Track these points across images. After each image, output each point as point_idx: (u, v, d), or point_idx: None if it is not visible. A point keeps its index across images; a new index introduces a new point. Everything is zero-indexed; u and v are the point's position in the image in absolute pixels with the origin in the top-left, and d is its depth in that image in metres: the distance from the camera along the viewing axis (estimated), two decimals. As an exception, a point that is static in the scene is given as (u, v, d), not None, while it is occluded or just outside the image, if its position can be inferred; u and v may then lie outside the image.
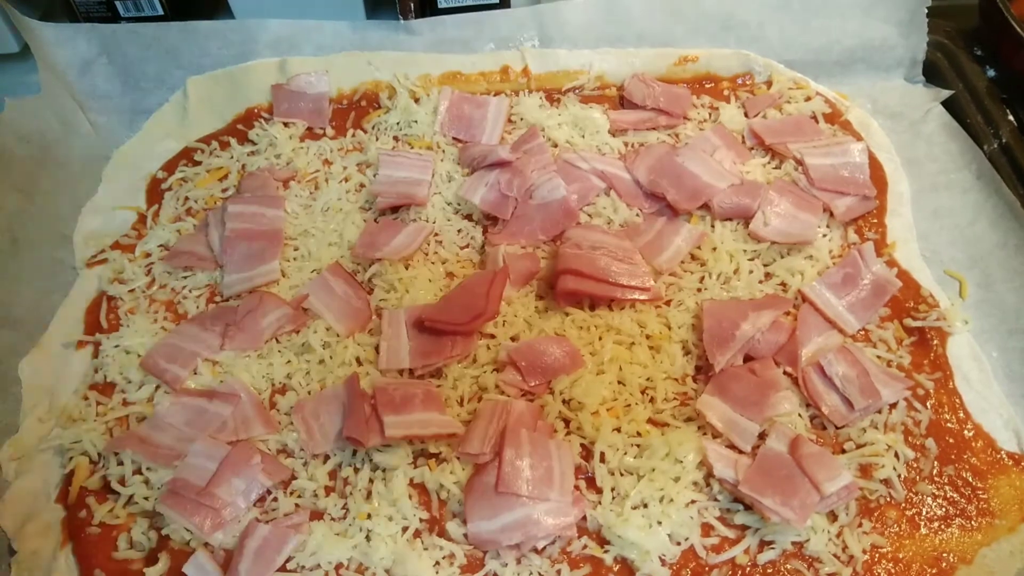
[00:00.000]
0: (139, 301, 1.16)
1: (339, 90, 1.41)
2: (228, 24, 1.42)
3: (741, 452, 0.96)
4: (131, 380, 1.07)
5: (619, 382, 1.03)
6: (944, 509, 0.95)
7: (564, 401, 1.01)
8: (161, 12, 1.44)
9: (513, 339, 1.07)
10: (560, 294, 1.09)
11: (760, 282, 1.14)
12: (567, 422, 1.00)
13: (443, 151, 1.33)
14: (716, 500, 0.94)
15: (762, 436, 0.98)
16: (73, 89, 1.37)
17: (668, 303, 1.12)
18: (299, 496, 0.97)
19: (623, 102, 1.40)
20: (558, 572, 0.90)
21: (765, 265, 1.17)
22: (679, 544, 0.91)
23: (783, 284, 1.15)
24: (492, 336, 1.08)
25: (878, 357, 1.07)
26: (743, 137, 1.33)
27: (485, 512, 0.91)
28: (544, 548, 0.91)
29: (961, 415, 1.02)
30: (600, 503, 0.94)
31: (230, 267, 1.16)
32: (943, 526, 0.94)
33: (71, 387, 1.09)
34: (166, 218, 1.27)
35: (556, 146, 1.32)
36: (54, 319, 1.17)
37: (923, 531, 0.94)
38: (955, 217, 1.24)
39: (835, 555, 0.91)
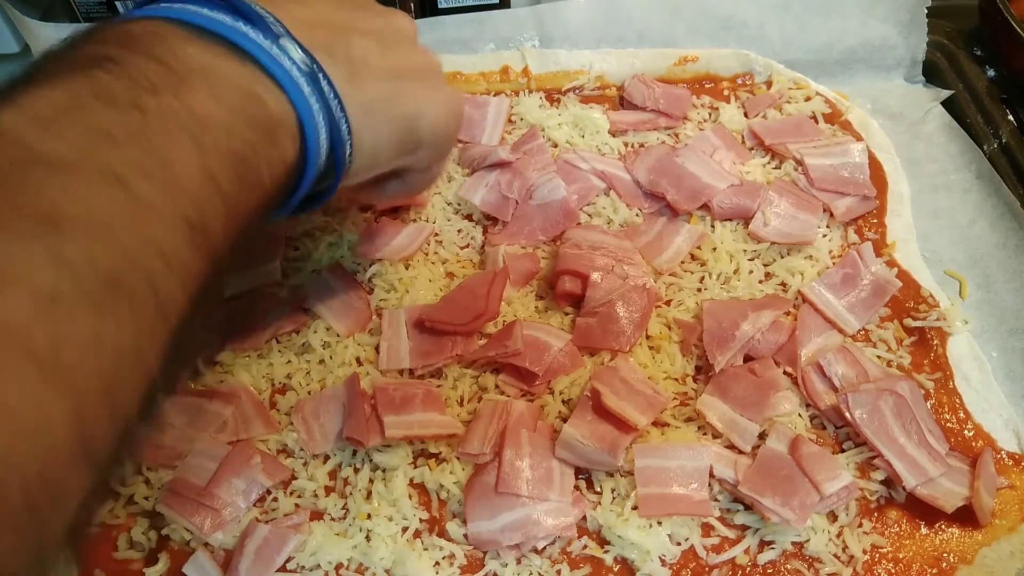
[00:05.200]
0: (139, 301, 1.16)
1: (339, 90, 1.41)
2: (228, 24, 1.41)
3: (741, 452, 0.97)
4: (131, 380, 1.07)
5: (619, 382, 1.03)
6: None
7: (564, 401, 1.01)
8: (161, 12, 1.44)
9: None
10: (560, 294, 1.09)
11: (760, 282, 1.14)
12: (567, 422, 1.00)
13: (443, 151, 1.33)
14: (716, 500, 0.94)
15: (762, 436, 0.98)
16: (73, 89, 1.37)
17: (668, 303, 1.12)
18: (299, 496, 0.97)
19: (623, 103, 1.40)
20: (558, 572, 0.90)
21: (765, 265, 1.17)
22: (679, 544, 0.91)
23: (783, 284, 1.15)
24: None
25: (878, 357, 1.07)
26: (743, 137, 1.33)
27: (485, 512, 0.91)
28: (544, 548, 0.92)
29: (961, 415, 1.03)
30: (600, 503, 0.94)
31: (230, 267, 1.16)
32: (943, 526, 0.94)
33: (71, 387, 1.09)
34: (166, 218, 1.27)
35: (556, 146, 1.32)
36: (54, 319, 1.17)
37: (923, 531, 0.94)
38: (955, 217, 1.24)
39: (835, 555, 0.91)
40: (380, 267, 1.15)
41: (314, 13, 0.70)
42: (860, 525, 0.93)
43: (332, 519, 0.95)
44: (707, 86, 1.43)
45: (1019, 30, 1.34)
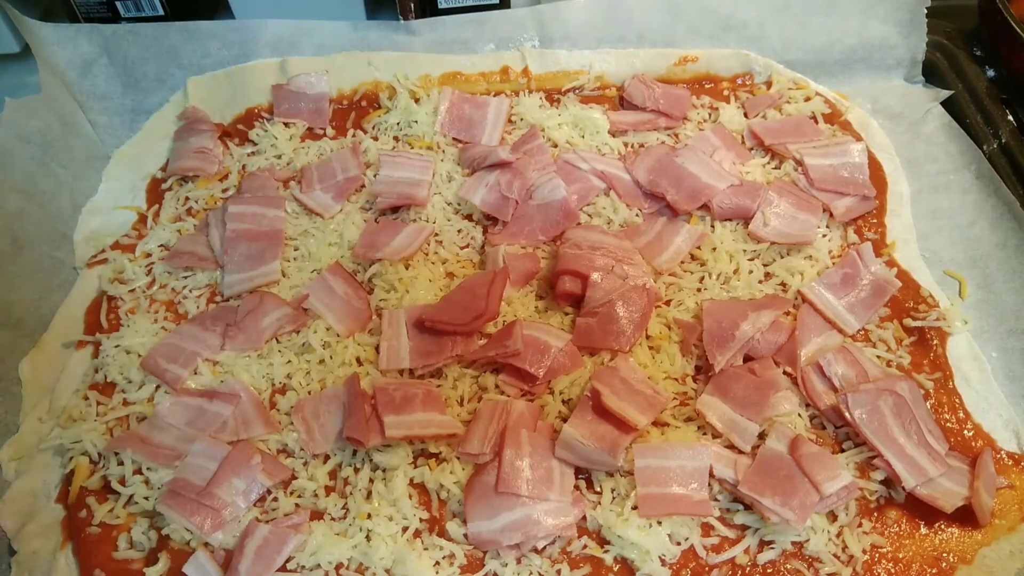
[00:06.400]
0: (139, 301, 1.16)
1: (339, 90, 1.41)
2: (228, 24, 1.42)
3: (741, 452, 0.97)
4: (131, 380, 1.07)
5: (619, 382, 1.03)
6: (944, 509, 0.95)
7: (564, 401, 1.01)
8: (161, 12, 1.45)
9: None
10: (560, 294, 1.09)
11: (760, 282, 1.14)
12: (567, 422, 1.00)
13: (443, 151, 1.33)
14: (716, 500, 0.94)
15: (762, 436, 0.98)
16: (73, 89, 1.38)
17: (668, 303, 1.12)
18: (299, 496, 0.97)
19: (623, 103, 1.40)
20: (558, 572, 0.90)
21: (765, 265, 1.17)
22: (679, 544, 0.91)
23: (783, 284, 1.15)
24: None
25: (878, 357, 1.07)
26: (743, 137, 1.33)
27: (485, 512, 0.91)
28: (544, 548, 0.92)
29: (961, 415, 1.03)
30: (600, 503, 0.94)
31: (230, 267, 1.17)
32: (943, 526, 0.94)
33: (71, 387, 1.09)
34: (166, 218, 1.27)
35: (556, 146, 1.32)
36: (54, 319, 1.17)
37: (923, 531, 0.94)
38: (955, 217, 1.24)
39: (835, 555, 0.91)
40: (380, 267, 1.15)
41: None
42: (860, 525, 0.93)
43: (332, 519, 0.95)
44: (707, 86, 1.43)
45: (1019, 30, 1.34)
